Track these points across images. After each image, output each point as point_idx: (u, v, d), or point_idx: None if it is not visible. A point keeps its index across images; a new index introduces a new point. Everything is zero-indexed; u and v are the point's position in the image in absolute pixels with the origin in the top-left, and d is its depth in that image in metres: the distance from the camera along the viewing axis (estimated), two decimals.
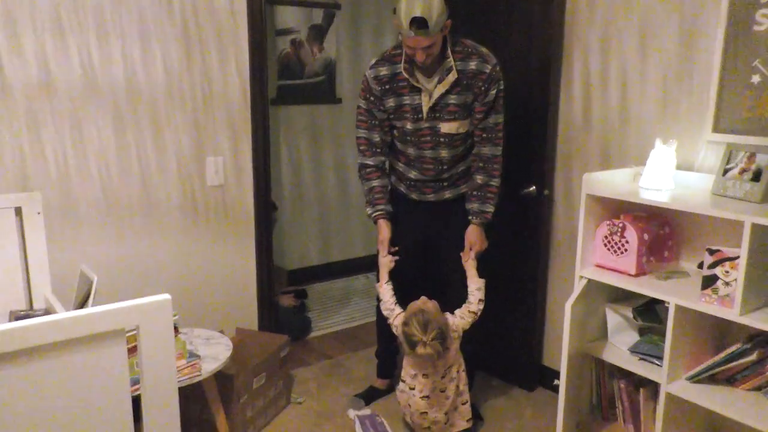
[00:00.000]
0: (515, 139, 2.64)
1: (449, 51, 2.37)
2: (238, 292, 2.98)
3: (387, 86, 2.45)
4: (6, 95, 2.32)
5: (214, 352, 2.40)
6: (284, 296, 3.80)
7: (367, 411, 2.77)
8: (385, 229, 2.57)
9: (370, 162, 2.58)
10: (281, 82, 4.17)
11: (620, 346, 2.43)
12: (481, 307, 2.44)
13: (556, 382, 2.45)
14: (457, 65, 2.36)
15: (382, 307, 2.53)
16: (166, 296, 1.29)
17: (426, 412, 2.41)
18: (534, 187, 2.78)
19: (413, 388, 2.42)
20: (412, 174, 2.58)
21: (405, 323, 2.32)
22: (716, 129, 2.28)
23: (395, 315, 2.45)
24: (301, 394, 2.95)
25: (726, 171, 2.18)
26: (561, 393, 2.43)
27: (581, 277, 2.38)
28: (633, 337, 2.44)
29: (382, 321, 2.64)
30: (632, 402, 2.43)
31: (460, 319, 2.42)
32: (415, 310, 2.33)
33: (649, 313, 2.42)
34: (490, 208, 2.50)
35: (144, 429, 1.31)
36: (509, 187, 2.72)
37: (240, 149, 2.88)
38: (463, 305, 2.45)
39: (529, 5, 2.70)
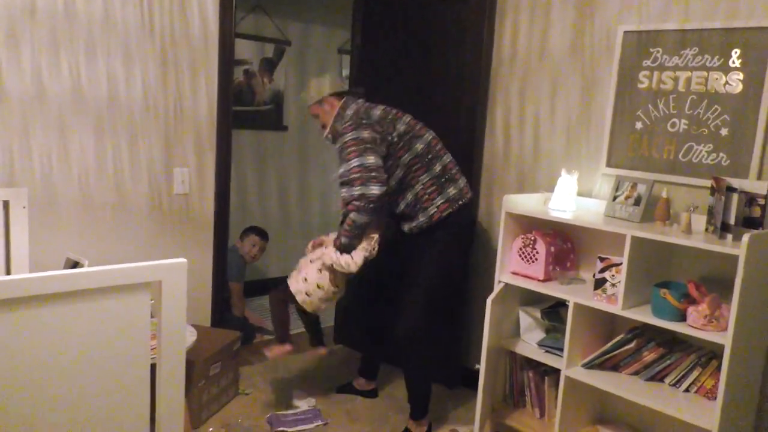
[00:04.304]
0: None
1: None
2: (196, 291, 3.26)
3: None
4: (3, 102, 2.58)
5: None
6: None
7: (312, 401, 3.11)
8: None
9: (382, 192, 2.68)
10: (234, 108, 4.51)
11: (530, 342, 2.89)
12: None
13: (477, 366, 2.88)
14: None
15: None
16: (183, 260, 1.62)
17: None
18: None
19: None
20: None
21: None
22: (609, 164, 2.83)
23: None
24: (248, 387, 3.25)
25: (615, 197, 2.71)
26: (480, 381, 2.85)
27: (500, 281, 2.85)
28: (541, 335, 2.90)
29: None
30: (538, 389, 2.89)
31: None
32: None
33: (555, 315, 2.89)
34: (342, 239, 2.79)
35: (158, 372, 1.61)
36: None
37: (204, 162, 3.20)
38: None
39: (462, 54, 3.21)
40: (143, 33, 2.90)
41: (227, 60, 3.20)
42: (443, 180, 2.85)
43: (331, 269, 2.82)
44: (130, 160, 2.95)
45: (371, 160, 2.66)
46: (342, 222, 2.79)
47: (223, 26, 3.14)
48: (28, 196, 2.61)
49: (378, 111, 2.83)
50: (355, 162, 2.65)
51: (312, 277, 2.84)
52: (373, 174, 2.65)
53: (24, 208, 2.61)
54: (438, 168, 2.85)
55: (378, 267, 2.93)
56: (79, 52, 2.73)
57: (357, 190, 2.64)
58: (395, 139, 2.78)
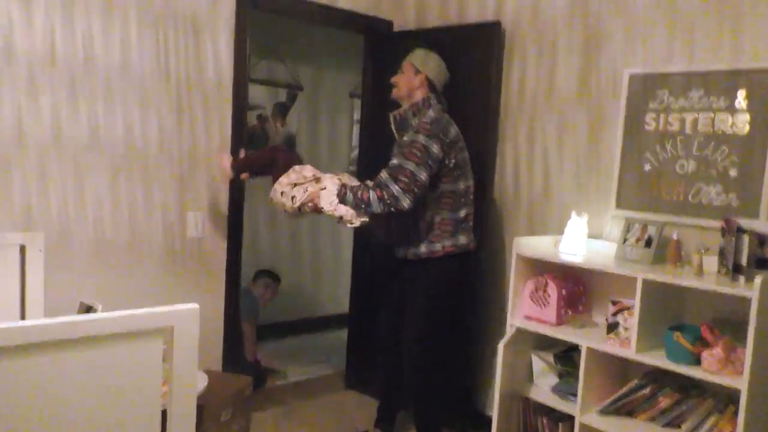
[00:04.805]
0: None
1: None
2: (207, 335, 3.26)
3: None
4: (22, 147, 2.64)
5: None
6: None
7: None
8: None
9: (409, 208, 2.71)
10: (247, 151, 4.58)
11: (543, 387, 2.86)
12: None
13: (490, 412, 2.84)
14: None
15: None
16: (195, 306, 1.63)
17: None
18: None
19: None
20: None
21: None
22: (618, 206, 2.84)
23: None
24: None
25: (626, 239, 2.71)
26: (493, 427, 2.81)
27: (512, 325, 2.83)
28: (554, 379, 2.87)
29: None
30: None
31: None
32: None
33: (568, 359, 2.86)
34: (348, 197, 2.77)
35: (169, 418, 1.60)
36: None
37: (217, 206, 3.24)
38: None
39: (471, 97, 3.25)
40: (159, 79, 2.97)
41: (241, 105, 3.27)
42: (461, 226, 2.88)
43: (312, 203, 2.80)
44: (144, 203, 3.00)
45: (423, 176, 2.71)
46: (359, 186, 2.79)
47: (238, 72, 3.21)
48: (44, 239, 2.65)
49: (453, 131, 2.85)
50: (410, 167, 2.69)
51: (298, 195, 2.82)
52: (416, 189, 2.69)
53: (40, 251, 2.64)
54: (463, 213, 2.88)
55: (395, 311, 2.96)
56: (97, 98, 2.81)
57: (395, 190, 2.68)
58: (450, 166, 2.81)
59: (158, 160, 3.02)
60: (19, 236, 2.59)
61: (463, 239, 2.88)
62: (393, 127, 2.98)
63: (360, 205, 2.73)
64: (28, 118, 2.64)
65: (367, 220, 2.79)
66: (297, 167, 2.90)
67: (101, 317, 1.48)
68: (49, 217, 2.75)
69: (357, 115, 4.92)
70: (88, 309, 2.53)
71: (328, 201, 2.76)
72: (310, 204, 2.80)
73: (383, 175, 2.73)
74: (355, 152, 4.51)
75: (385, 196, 2.68)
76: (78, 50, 2.73)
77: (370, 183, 2.76)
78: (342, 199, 2.76)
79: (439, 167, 2.77)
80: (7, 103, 2.59)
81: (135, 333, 1.54)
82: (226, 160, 3.04)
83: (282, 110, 4.78)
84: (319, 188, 2.80)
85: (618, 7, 2.85)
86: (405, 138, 2.84)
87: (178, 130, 3.06)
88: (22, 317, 2.63)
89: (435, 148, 2.74)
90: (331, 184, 2.79)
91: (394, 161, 2.74)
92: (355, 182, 2.86)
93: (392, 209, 2.69)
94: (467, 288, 3.18)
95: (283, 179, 2.86)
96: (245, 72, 3.26)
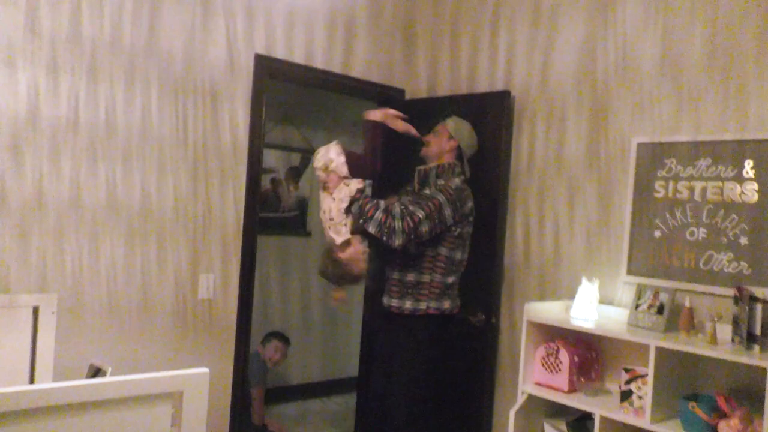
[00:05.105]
0: (467, 275, 3.13)
1: None
2: (215, 398, 3.22)
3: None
4: (42, 211, 2.70)
5: None
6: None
7: None
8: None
9: (397, 247, 2.78)
10: (260, 214, 4.65)
11: None
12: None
13: None
14: None
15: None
16: (205, 370, 1.64)
17: None
18: (483, 316, 3.24)
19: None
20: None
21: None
22: (629, 272, 2.84)
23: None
24: None
25: (638, 306, 2.70)
26: None
27: (523, 392, 2.79)
28: None
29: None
30: None
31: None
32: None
33: (581, 428, 2.80)
34: (354, 208, 2.84)
35: None
36: (462, 316, 3.17)
37: (229, 268, 3.27)
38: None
39: (481, 162, 3.30)
40: (177, 144, 3.06)
41: (255, 169, 3.34)
42: (447, 291, 2.92)
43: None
44: (157, 265, 3.03)
45: (426, 229, 2.78)
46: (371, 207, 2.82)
47: (253, 138, 3.30)
48: (57, 300, 2.68)
49: (469, 205, 2.94)
50: (420, 215, 2.78)
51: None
52: (413, 236, 2.76)
53: (53, 314, 2.67)
54: (451, 279, 2.93)
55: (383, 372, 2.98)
56: (117, 163, 2.88)
57: (397, 226, 2.74)
58: (455, 235, 2.89)
59: (173, 222, 3.07)
60: (33, 298, 2.62)
61: (447, 304, 2.91)
62: (416, 180, 3.08)
63: (362, 216, 2.81)
64: (48, 181, 2.72)
65: (347, 240, 2.83)
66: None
67: (110, 381, 1.49)
68: (63, 279, 2.78)
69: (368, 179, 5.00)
70: (98, 371, 2.53)
71: (341, 198, 2.83)
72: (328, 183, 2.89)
73: (396, 208, 2.80)
74: None
75: (386, 224, 2.75)
76: (100, 117, 2.83)
77: (382, 205, 2.83)
78: (351, 203, 2.83)
79: (443, 231, 2.84)
80: (29, 168, 2.67)
81: (144, 397, 1.54)
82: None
83: (295, 174, 4.87)
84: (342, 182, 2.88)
85: (625, 77, 2.93)
86: (426, 191, 2.96)
87: (194, 193, 3.13)
88: (32, 379, 2.63)
89: (447, 212, 2.82)
90: (355, 184, 2.87)
91: (410, 207, 2.83)
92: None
93: (384, 238, 2.76)
94: (464, 351, 3.16)
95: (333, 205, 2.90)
96: (261, 138, 3.35)
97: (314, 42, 3.48)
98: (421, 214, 2.77)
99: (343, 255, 2.83)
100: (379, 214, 2.77)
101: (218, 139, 3.19)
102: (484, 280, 3.27)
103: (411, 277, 2.88)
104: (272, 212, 4.76)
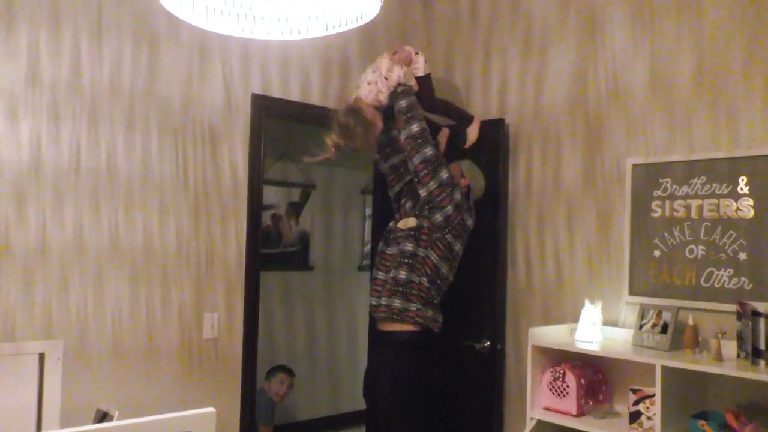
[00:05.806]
0: (471, 301, 3.14)
1: None
2: None
3: None
4: (45, 257, 2.73)
5: None
6: None
7: None
8: None
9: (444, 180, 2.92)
10: (262, 250, 4.67)
11: None
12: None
13: None
14: None
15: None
16: (212, 410, 1.64)
17: None
18: (488, 343, 3.24)
19: None
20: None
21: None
22: (631, 292, 2.85)
23: None
24: None
25: (641, 326, 2.70)
26: None
27: (532, 417, 2.78)
28: None
29: None
30: None
31: None
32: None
33: None
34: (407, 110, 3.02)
35: None
36: (468, 343, 3.17)
37: (233, 306, 3.28)
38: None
39: (486, 184, 3.34)
40: (178, 185, 3.10)
41: (256, 207, 3.37)
42: (432, 300, 2.92)
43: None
44: (162, 307, 3.04)
45: (457, 196, 2.97)
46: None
47: (253, 176, 3.34)
48: (62, 346, 2.68)
49: (469, 223, 3.06)
50: (458, 195, 2.98)
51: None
52: (450, 188, 2.94)
53: (58, 360, 2.68)
54: (434, 291, 2.93)
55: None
56: (119, 206, 2.92)
57: (446, 174, 2.93)
58: (446, 239, 2.93)
59: (176, 263, 3.09)
60: (39, 344, 2.63)
61: (431, 312, 2.90)
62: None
63: (414, 137, 2.95)
64: (52, 227, 2.75)
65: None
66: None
67: (117, 425, 1.50)
68: (69, 324, 2.79)
69: (369, 211, 5.03)
70: (104, 416, 2.53)
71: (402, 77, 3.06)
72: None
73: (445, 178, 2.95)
74: (368, 247, 4.59)
75: (434, 162, 2.91)
76: (101, 161, 2.88)
77: (434, 150, 2.99)
78: (403, 92, 3.03)
79: (455, 222, 2.95)
80: (33, 215, 2.70)
81: None
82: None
83: (295, 209, 4.91)
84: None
85: (617, 100, 2.98)
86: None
87: (196, 233, 3.15)
88: (39, 425, 2.63)
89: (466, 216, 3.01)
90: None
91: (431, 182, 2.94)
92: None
93: (422, 169, 2.90)
94: (471, 379, 3.15)
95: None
96: (260, 175, 3.39)
97: (310, 80, 3.55)
98: (458, 195, 2.95)
99: (370, 116, 2.99)
100: (431, 151, 2.91)
101: (218, 178, 3.23)
102: (487, 306, 3.27)
103: (403, 274, 2.88)
104: (274, 248, 4.78)
